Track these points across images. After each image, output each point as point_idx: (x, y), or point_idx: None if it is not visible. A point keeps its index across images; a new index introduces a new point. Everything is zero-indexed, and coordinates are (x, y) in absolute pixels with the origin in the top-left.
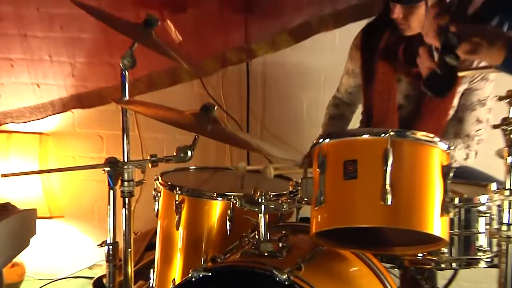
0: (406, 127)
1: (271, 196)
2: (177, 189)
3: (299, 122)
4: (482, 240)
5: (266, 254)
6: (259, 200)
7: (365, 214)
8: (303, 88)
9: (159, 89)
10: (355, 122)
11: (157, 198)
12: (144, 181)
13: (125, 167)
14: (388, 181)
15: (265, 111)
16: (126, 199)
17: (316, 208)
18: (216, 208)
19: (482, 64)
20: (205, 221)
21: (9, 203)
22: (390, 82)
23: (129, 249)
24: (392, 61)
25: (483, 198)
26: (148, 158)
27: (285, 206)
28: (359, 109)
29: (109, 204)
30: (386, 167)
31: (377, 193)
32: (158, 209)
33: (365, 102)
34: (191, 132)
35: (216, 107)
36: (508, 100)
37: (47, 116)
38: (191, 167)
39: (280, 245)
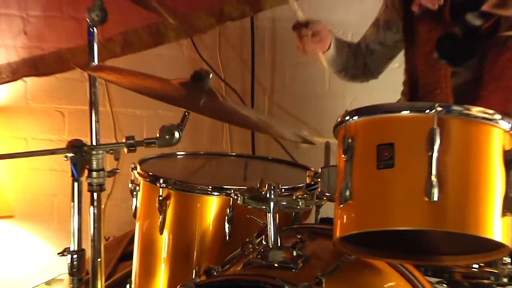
0: (464, 101)
1: (283, 190)
2: (161, 181)
3: (319, 95)
4: None
5: (276, 265)
6: (267, 196)
7: (404, 213)
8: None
9: (137, 51)
10: (392, 96)
11: (134, 193)
12: (118, 170)
13: (94, 152)
14: (434, 171)
15: (275, 80)
16: (95, 194)
17: (341, 205)
18: (211, 206)
19: None
20: (197, 223)
21: None
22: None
23: (99, 259)
24: (435, 16)
25: None
26: (123, 141)
27: (300, 203)
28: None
29: (73, 201)
30: (432, 152)
31: (420, 187)
32: (136, 207)
33: (408, 68)
34: (179, 108)
35: (211, 75)
36: None
37: None
38: (178, 153)
39: (295, 253)
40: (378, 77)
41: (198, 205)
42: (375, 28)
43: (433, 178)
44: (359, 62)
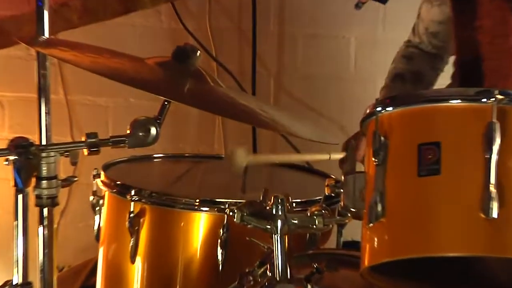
0: None
1: (294, 204)
2: (133, 192)
3: (341, 78)
4: None
5: None
6: (274, 212)
7: (453, 235)
8: (348, 22)
9: (101, 20)
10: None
11: (97, 209)
12: (75, 179)
13: (43, 154)
14: (492, 179)
15: (283, 60)
16: (45, 210)
17: (371, 224)
18: (199, 226)
19: None
20: (180, 248)
21: None
22: (506, 16)
23: None
24: None
25: None
26: (83, 139)
27: (317, 222)
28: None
29: (16, 219)
30: (490, 154)
31: (474, 200)
32: (99, 227)
33: (459, 47)
34: (156, 95)
35: (199, 53)
36: None
37: None
38: (156, 155)
39: None
40: (448, 61)
41: (182, 224)
42: (427, 3)
43: (492, 189)
44: (428, 58)
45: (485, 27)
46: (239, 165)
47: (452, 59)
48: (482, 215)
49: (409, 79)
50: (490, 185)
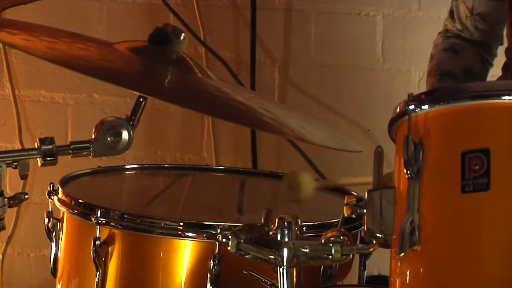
0: None
1: (304, 228)
2: (99, 213)
3: (366, 68)
4: None
5: None
6: (278, 238)
7: (508, 267)
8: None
9: None
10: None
11: (54, 235)
12: (26, 196)
13: None
14: None
15: (290, 45)
16: None
17: (403, 254)
18: (183, 256)
19: None
20: (159, 284)
21: None
22: None
23: None
24: None
25: None
26: (35, 145)
27: (334, 251)
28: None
29: None
30: None
31: None
32: (56, 257)
33: None
34: (128, 90)
35: (183, 35)
36: None
37: None
38: (128, 167)
39: None
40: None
41: (162, 253)
42: None
43: None
44: (474, 48)
45: None
46: (306, 194)
47: (501, 50)
48: None
49: (460, 77)
50: None
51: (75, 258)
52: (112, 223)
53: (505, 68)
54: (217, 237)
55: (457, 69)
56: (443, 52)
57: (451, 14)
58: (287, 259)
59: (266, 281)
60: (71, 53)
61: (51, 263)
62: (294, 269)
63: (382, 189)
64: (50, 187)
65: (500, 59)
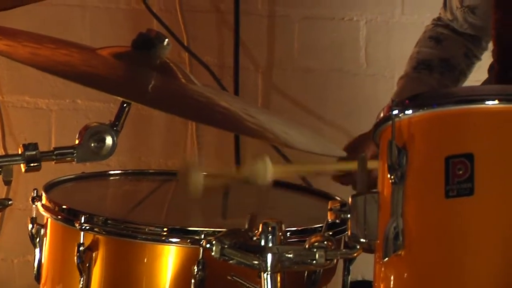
0: None
1: (288, 233)
2: (83, 219)
3: (349, 73)
4: None
5: None
6: (262, 243)
7: (491, 273)
8: (358, 0)
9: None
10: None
11: (37, 241)
12: (10, 202)
13: None
14: None
15: (274, 49)
16: None
17: (387, 259)
18: (167, 261)
19: None
20: None
21: None
22: None
23: None
24: None
25: None
26: (19, 151)
27: (318, 256)
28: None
29: None
30: None
31: None
32: (40, 263)
33: (498, 29)
34: (111, 95)
35: (166, 41)
36: None
37: None
38: (112, 172)
39: None
40: (487, 46)
41: (145, 259)
42: None
43: None
44: (461, 41)
45: None
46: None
47: (491, 45)
48: None
49: (437, 68)
50: None
51: (59, 264)
52: (96, 229)
53: (490, 69)
54: (201, 242)
55: (436, 59)
56: (428, 40)
57: (444, 2)
58: (271, 264)
59: (251, 286)
60: (54, 59)
61: (35, 269)
62: (278, 274)
63: (366, 194)
64: (33, 193)
65: (487, 58)
